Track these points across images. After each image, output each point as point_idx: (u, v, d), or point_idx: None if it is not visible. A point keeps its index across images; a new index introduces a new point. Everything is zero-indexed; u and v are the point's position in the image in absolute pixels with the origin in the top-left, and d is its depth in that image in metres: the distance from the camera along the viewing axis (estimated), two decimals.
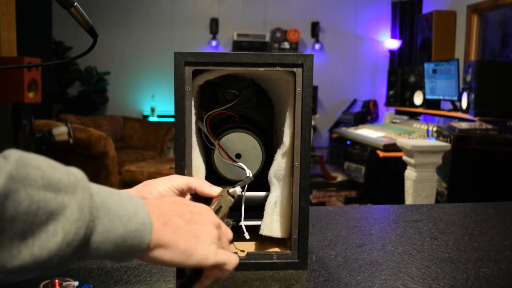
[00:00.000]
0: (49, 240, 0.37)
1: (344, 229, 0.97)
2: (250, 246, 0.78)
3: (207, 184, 0.65)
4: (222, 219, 0.61)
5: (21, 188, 0.35)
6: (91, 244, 0.40)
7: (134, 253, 0.44)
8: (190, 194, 0.67)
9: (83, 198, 0.39)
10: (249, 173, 0.74)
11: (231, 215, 0.79)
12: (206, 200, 0.64)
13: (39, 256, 0.36)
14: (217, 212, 0.61)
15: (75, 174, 0.40)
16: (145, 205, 0.46)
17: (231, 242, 0.57)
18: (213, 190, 0.64)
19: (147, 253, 0.45)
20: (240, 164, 0.76)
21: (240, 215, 0.75)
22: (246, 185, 0.72)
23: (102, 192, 0.43)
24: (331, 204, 4.38)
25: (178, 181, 0.64)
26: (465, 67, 3.50)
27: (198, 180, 0.65)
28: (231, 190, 0.64)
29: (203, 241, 0.49)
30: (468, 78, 3.34)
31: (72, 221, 0.38)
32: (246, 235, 0.76)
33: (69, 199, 0.38)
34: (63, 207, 0.37)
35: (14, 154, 0.37)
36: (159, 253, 0.46)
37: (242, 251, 0.76)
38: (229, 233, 0.55)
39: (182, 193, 0.65)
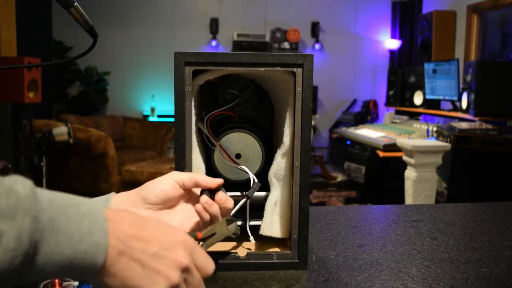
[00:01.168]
0: None
1: (344, 229, 0.97)
2: (250, 246, 0.78)
3: (209, 177, 0.65)
4: (210, 244, 0.59)
5: None
6: (33, 266, 0.37)
7: (87, 273, 0.41)
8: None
9: (22, 224, 0.35)
10: (253, 178, 0.74)
11: (235, 215, 0.79)
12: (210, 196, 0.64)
13: None
14: (207, 238, 0.59)
15: (18, 193, 0.37)
16: (106, 220, 0.42)
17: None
18: (216, 180, 0.64)
19: (100, 275, 0.42)
20: (243, 167, 0.76)
21: (238, 215, 0.75)
22: (254, 191, 0.73)
23: (54, 207, 0.39)
24: (331, 204, 4.38)
25: (179, 175, 0.63)
26: (465, 67, 3.50)
27: (199, 174, 0.66)
28: (229, 226, 0.62)
29: (156, 285, 0.44)
30: (468, 78, 3.34)
31: (8, 250, 0.35)
32: (252, 239, 0.76)
33: (7, 226, 0.35)
34: (0, 234, 0.35)
35: None
36: (109, 281, 0.42)
37: (249, 249, 0.76)
38: (201, 275, 0.49)
39: (184, 188, 0.65)
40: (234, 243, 0.78)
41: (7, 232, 0.35)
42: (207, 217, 0.63)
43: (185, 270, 0.46)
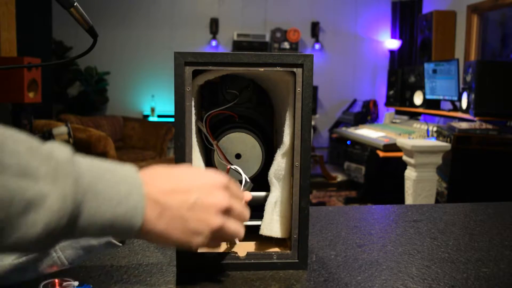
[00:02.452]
0: (28, 231, 0.35)
1: (344, 229, 0.97)
2: (250, 246, 0.78)
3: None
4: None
5: None
6: (76, 228, 0.38)
7: (124, 235, 0.42)
8: None
9: (64, 187, 0.36)
10: (245, 178, 0.73)
11: None
12: None
13: (17, 246, 0.35)
14: None
15: (57, 157, 0.37)
16: (142, 185, 0.43)
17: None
18: (246, 195, 0.67)
19: (139, 235, 0.43)
20: (236, 167, 0.76)
21: None
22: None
23: (93, 172, 0.40)
24: (331, 204, 4.38)
25: None
26: (465, 67, 3.50)
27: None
28: None
29: (198, 237, 0.46)
30: (468, 78, 3.34)
31: (53, 211, 0.36)
32: (236, 241, 0.76)
33: (50, 188, 0.36)
34: (42, 196, 0.35)
35: None
36: (150, 238, 0.44)
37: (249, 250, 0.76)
38: (243, 214, 0.52)
39: None
40: (234, 243, 0.78)
41: (50, 195, 0.35)
42: None
43: (226, 210, 0.49)
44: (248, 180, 0.73)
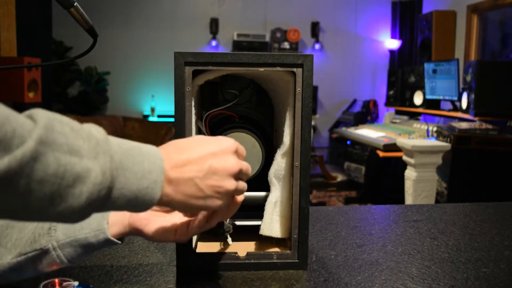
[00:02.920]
0: (74, 201, 0.39)
1: (344, 229, 0.97)
2: (250, 246, 0.78)
3: None
4: None
5: (49, 152, 0.37)
6: (110, 199, 0.43)
7: (146, 206, 0.47)
8: None
9: (104, 162, 0.41)
10: None
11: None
12: None
13: (62, 215, 0.39)
14: None
15: (96, 137, 0.42)
16: (162, 161, 0.48)
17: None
18: None
19: (160, 203, 0.48)
20: None
21: (238, 215, 0.75)
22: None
23: (122, 150, 0.45)
24: (331, 204, 4.38)
25: None
26: (465, 67, 3.50)
27: None
28: None
29: (216, 200, 0.51)
30: (468, 78, 3.33)
31: (96, 183, 0.40)
32: (229, 241, 0.75)
33: (93, 163, 0.40)
34: (88, 170, 0.40)
35: (42, 117, 0.39)
36: (173, 207, 0.50)
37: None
38: (249, 171, 0.57)
39: None
40: (234, 243, 0.78)
41: (94, 169, 0.40)
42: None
43: (238, 173, 0.54)
44: None
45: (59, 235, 0.58)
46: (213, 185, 0.51)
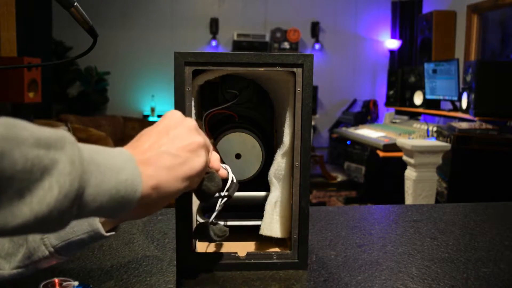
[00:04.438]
0: (46, 195, 0.37)
1: (344, 229, 0.97)
2: (250, 246, 0.78)
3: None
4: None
5: (15, 148, 0.36)
6: (87, 196, 0.41)
7: (131, 201, 0.45)
8: None
9: (72, 152, 0.40)
10: (232, 178, 0.67)
11: (229, 215, 0.78)
12: None
13: (39, 212, 0.37)
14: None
15: (62, 131, 0.41)
16: (132, 155, 0.48)
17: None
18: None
19: (146, 194, 0.47)
20: (227, 166, 0.68)
21: (238, 215, 0.75)
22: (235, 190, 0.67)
23: (90, 149, 0.44)
24: (331, 204, 4.38)
25: None
26: (465, 67, 3.50)
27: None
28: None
29: (196, 160, 0.52)
30: (468, 78, 3.34)
31: (65, 174, 0.38)
32: (213, 237, 0.72)
33: (60, 154, 0.39)
34: (55, 162, 0.38)
35: (1, 119, 0.37)
36: (159, 193, 0.48)
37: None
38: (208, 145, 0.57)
39: None
40: (234, 243, 0.78)
41: (61, 159, 0.39)
42: None
43: (197, 128, 0.55)
44: (235, 180, 0.67)
45: (53, 241, 0.58)
46: (184, 145, 0.52)
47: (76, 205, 0.40)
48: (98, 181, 0.42)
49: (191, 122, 0.55)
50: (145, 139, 0.52)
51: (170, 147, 0.51)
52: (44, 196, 0.37)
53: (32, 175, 0.37)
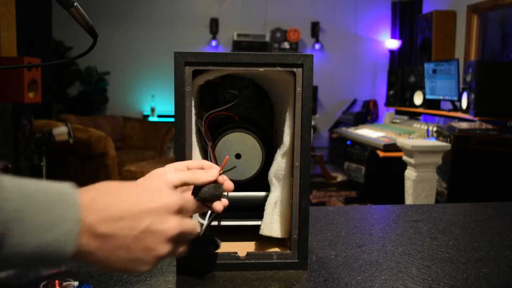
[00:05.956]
0: None
1: (344, 229, 0.97)
2: (250, 246, 0.78)
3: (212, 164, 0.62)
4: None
5: None
6: (6, 250, 0.37)
7: (55, 263, 0.40)
8: None
9: None
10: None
11: (229, 215, 0.78)
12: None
13: None
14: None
15: None
16: (78, 208, 0.40)
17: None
18: (209, 176, 0.58)
19: (76, 261, 0.41)
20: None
21: (238, 215, 0.75)
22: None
23: (22, 195, 0.38)
24: (331, 204, 4.38)
25: (169, 180, 0.55)
26: (465, 67, 3.50)
27: (201, 160, 0.64)
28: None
29: (143, 265, 0.45)
30: (468, 78, 3.33)
31: None
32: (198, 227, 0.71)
33: None
34: None
35: None
36: (90, 265, 0.43)
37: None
38: (192, 231, 0.49)
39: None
40: (234, 243, 0.78)
41: None
42: None
43: (177, 236, 0.46)
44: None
45: None
46: (146, 247, 0.44)
47: None
48: (15, 242, 0.37)
49: (176, 227, 0.46)
50: (123, 199, 0.44)
51: (134, 239, 0.43)
52: None
53: None
